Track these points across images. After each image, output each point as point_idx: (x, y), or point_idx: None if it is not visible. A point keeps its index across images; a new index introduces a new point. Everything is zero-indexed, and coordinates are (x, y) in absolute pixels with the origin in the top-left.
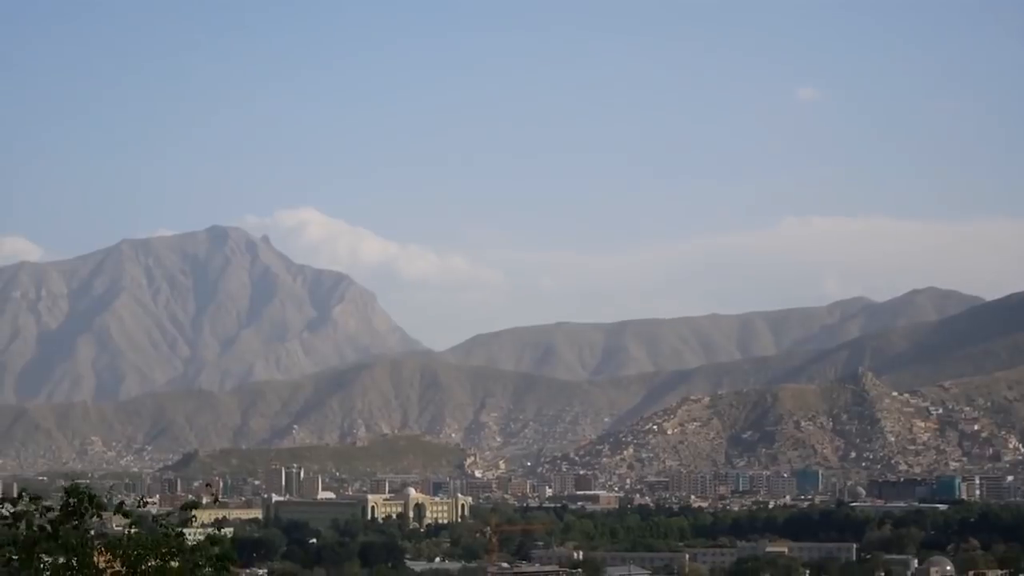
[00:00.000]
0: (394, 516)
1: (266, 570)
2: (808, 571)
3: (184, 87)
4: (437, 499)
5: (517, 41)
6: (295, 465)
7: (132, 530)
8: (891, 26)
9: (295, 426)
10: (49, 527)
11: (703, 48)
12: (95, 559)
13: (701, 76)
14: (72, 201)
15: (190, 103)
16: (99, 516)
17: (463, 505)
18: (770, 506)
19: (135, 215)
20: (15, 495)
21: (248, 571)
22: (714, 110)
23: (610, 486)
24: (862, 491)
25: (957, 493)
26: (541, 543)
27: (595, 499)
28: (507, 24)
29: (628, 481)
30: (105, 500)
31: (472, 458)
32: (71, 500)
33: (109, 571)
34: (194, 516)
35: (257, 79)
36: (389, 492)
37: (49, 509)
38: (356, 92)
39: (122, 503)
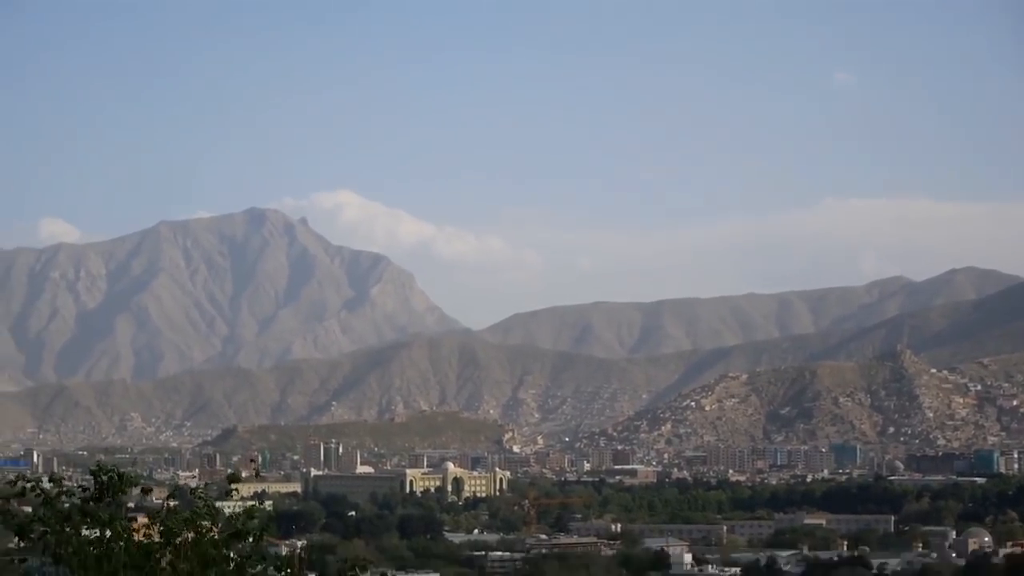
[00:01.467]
0: (432, 490)
1: (305, 541)
2: (846, 542)
3: (222, 71)
4: (475, 473)
5: (551, 17)
6: (333, 440)
7: (171, 503)
8: (927, 10)
9: (333, 403)
10: (81, 503)
11: (741, 31)
12: (132, 532)
13: (740, 59)
14: (110, 184)
15: (228, 86)
16: (125, 492)
17: (501, 479)
18: (808, 480)
19: (173, 197)
20: (55, 469)
21: (288, 543)
22: (753, 92)
23: (648, 461)
24: (900, 465)
25: (995, 467)
26: (579, 516)
27: (633, 473)
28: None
29: (666, 456)
30: (137, 475)
31: (510, 434)
32: (101, 478)
33: (145, 542)
34: (235, 489)
35: (294, 63)
36: (427, 466)
37: (85, 488)
38: (392, 75)
39: (137, 479)
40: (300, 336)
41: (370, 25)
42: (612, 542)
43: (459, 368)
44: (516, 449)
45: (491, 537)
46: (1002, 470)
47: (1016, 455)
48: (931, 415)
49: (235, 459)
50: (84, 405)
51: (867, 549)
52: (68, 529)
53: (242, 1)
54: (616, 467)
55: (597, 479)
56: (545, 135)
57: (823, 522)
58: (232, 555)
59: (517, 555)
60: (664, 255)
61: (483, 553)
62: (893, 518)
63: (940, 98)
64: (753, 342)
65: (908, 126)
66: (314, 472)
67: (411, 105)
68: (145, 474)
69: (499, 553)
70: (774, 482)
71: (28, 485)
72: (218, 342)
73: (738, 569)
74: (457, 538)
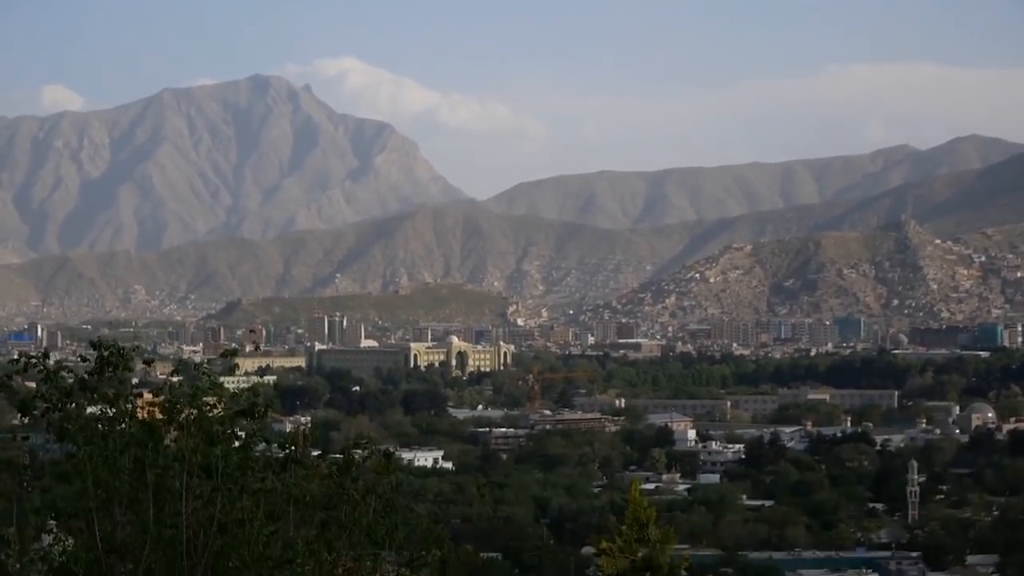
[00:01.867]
0: (436, 364)
1: (309, 417)
2: (850, 418)
3: None
4: (479, 347)
5: None
6: (338, 313)
7: (174, 379)
8: None
9: (337, 275)
10: (85, 378)
11: None
12: (136, 409)
13: None
14: (113, 50)
15: None
16: (130, 369)
17: (505, 353)
18: (812, 354)
19: (176, 64)
20: (59, 344)
21: (292, 418)
22: None
23: (652, 334)
24: (904, 338)
25: (999, 340)
26: (583, 391)
27: (637, 347)
28: None
29: (670, 329)
30: (142, 349)
31: (514, 306)
32: (103, 353)
33: (150, 419)
34: (237, 365)
35: None
36: (432, 340)
37: (86, 360)
38: None
39: (143, 353)
40: (304, 206)
41: None
42: (616, 418)
43: (463, 239)
44: (520, 322)
45: (495, 413)
46: (1006, 344)
47: (1020, 328)
48: (935, 287)
49: (239, 332)
50: (88, 277)
51: (871, 425)
52: (72, 405)
53: None
54: (620, 341)
55: (601, 353)
56: (550, 1)
57: (827, 397)
58: (237, 432)
59: (521, 431)
60: (669, 123)
61: (487, 429)
62: (896, 393)
63: None
64: (757, 212)
65: None
66: (318, 346)
67: None
68: (149, 348)
69: (503, 429)
70: (778, 356)
71: (32, 361)
72: (222, 212)
73: (742, 445)
74: (461, 414)
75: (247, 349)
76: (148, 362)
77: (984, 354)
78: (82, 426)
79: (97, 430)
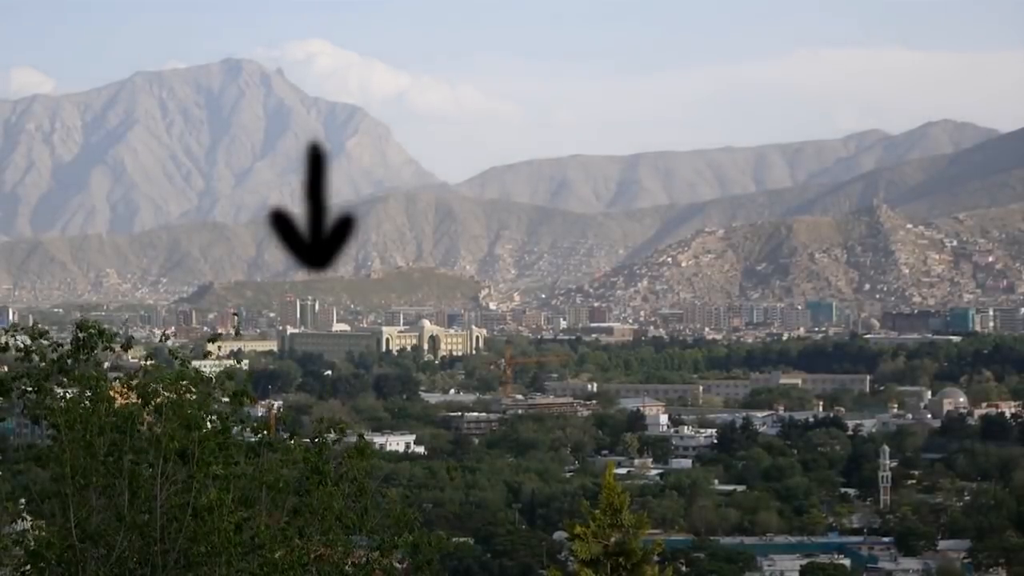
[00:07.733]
0: (408, 348)
1: (281, 401)
2: (821, 402)
3: None
4: (452, 331)
5: None
6: (310, 297)
7: (148, 363)
8: None
9: None
10: (61, 360)
11: None
12: (109, 392)
13: None
14: (84, 33)
15: None
16: (111, 350)
17: (478, 337)
18: (784, 338)
19: (147, 47)
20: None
21: (264, 403)
22: None
23: (624, 318)
24: (876, 323)
25: (971, 325)
26: (555, 375)
27: (609, 331)
28: None
29: (642, 313)
30: (120, 332)
31: (487, 290)
32: (81, 334)
33: (123, 404)
34: (211, 352)
35: None
36: (404, 324)
37: (60, 345)
38: None
39: (130, 339)
40: (277, 189)
41: None
42: (588, 402)
43: (435, 223)
44: (492, 306)
45: (467, 397)
46: (977, 328)
47: (991, 313)
48: (907, 271)
49: (211, 316)
50: (59, 260)
51: (842, 410)
52: (52, 388)
53: None
54: (592, 325)
55: (573, 337)
56: None
57: (799, 382)
58: (212, 417)
59: (493, 416)
60: (642, 107)
61: (459, 414)
62: (868, 377)
63: None
64: (730, 196)
65: None
66: (290, 330)
67: None
68: (121, 332)
69: (475, 414)
70: (750, 340)
71: (14, 340)
72: (194, 195)
73: (714, 430)
74: (433, 398)
75: (221, 332)
76: (125, 347)
77: (956, 339)
78: (63, 409)
79: (78, 414)
